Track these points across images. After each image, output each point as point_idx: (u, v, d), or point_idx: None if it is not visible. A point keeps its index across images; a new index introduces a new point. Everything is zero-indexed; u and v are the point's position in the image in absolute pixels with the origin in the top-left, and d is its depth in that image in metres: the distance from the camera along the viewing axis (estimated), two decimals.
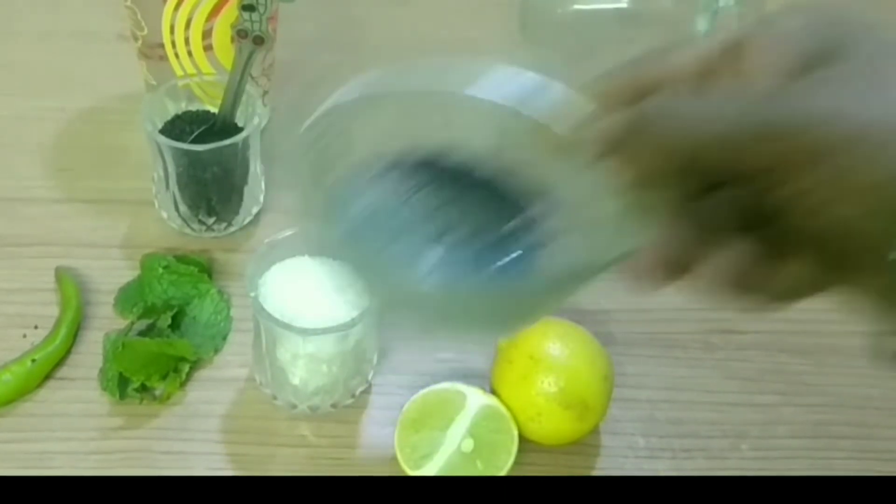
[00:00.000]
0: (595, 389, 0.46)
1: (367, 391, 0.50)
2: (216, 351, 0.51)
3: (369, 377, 0.50)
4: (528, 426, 0.46)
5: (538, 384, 0.45)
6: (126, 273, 0.54)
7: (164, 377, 0.48)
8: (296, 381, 0.47)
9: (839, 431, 0.50)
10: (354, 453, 0.48)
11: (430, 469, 0.44)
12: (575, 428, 0.46)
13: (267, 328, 0.45)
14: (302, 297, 0.45)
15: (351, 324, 0.44)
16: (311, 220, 0.33)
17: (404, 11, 0.78)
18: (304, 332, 0.44)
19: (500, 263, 0.31)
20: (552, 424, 0.45)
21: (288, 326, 0.43)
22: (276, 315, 0.44)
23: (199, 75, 0.57)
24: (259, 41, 0.52)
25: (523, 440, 0.46)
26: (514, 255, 0.31)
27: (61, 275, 0.53)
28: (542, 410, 0.45)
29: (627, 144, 0.25)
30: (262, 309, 0.44)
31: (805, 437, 0.50)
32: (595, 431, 0.49)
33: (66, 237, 0.56)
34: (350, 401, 0.49)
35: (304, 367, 0.46)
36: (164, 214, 0.56)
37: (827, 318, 0.56)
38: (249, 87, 0.54)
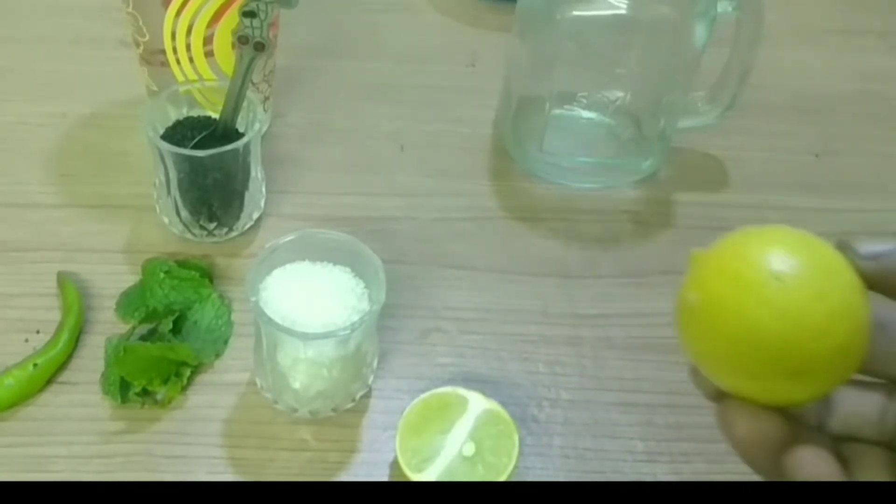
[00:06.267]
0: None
1: (367, 395, 0.50)
2: (217, 355, 0.51)
3: (369, 381, 0.50)
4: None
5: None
6: (127, 278, 0.54)
7: (165, 381, 0.48)
8: (296, 385, 0.47)
9: None
10: (355, 457, 0.48)
11: (432, 473, 0.44)
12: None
13: (268, 332, 0.46)
14: (303, 301, 0.46)
15: (351, 328, 0.44)
16: None
17: (407, 18, 0.78)
18: (305, 337, 0.44)
19: None
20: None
21: (288, 331, 0.44)
22: (277, 319, 0.44)
23: (201, 81, 0.57)
24: (260, 47, 0.52)
25: (524, 444, 0.46)
26: None
27: (63, 280, 0.53)
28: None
29: None
30: (263, 313, 0.44)
31: None
32: (593, 436, 0.49)
33: (68, 242, 0.56)
34: (351, 405, 0.49)
35: (305, 371, 0.46)
36: (166, 219, 0.56)
37: None
38: (250, 93, 0.54)
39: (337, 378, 0.47)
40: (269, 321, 0.44)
